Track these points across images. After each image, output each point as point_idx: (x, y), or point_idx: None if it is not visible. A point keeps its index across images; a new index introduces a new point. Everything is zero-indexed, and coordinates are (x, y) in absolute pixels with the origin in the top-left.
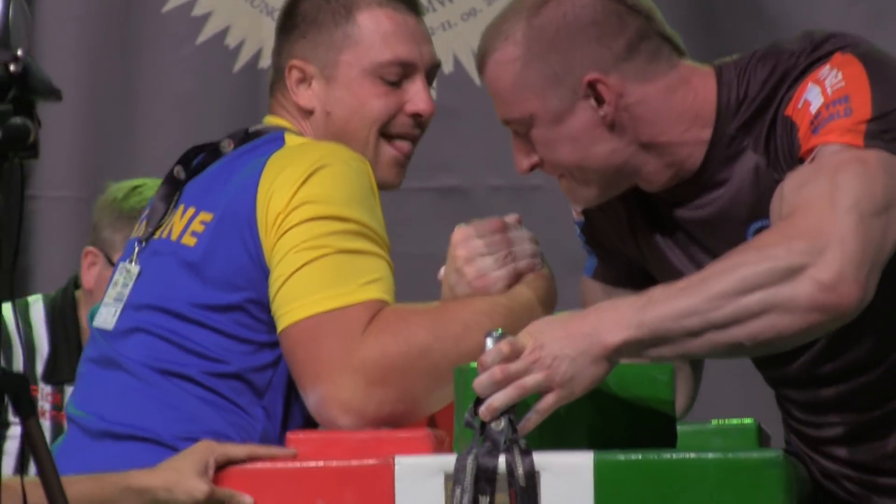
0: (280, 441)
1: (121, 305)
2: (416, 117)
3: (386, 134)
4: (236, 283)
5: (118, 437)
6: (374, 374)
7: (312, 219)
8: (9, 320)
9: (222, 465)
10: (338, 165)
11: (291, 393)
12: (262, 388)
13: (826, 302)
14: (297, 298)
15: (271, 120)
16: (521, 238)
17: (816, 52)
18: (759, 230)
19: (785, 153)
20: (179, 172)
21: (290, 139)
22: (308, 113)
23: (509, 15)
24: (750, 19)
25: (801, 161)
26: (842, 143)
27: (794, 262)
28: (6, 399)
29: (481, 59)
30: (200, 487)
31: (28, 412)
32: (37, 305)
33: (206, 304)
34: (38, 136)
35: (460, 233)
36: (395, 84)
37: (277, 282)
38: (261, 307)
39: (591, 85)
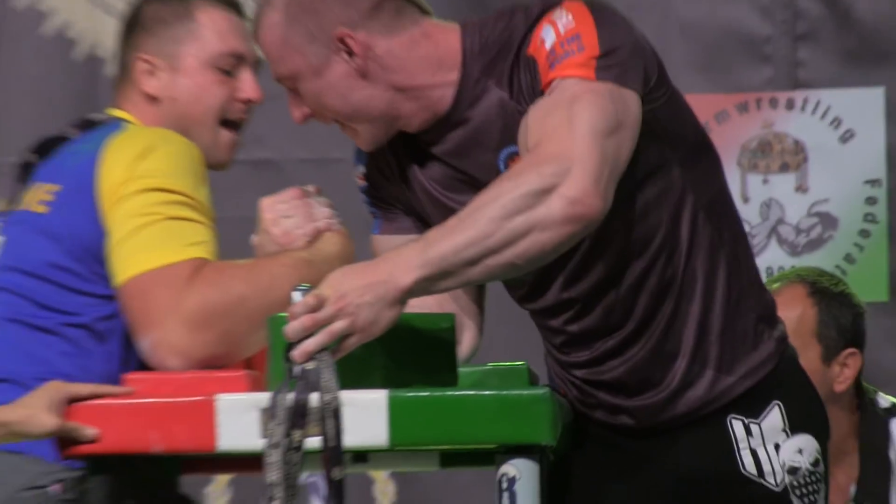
0: (119, 381)
1: None
2: (248, 103)
3: (222, 120)
4: (73, 237)
5: None
6: (196, 320)
7: (145, 190)
8: None
9: (70, 402)
10: (168, 146)
11: (130, 341)
12: (105, 335)
13: (576, 213)
14: (129, 257)
15: (113, 111)
16: (319, 203)
17: (547, 3)
18: (509, 155)
19: (528, 87)
20: (32, 158)
21: (127, 126)
22: (154, 100)
23: None
24: None
25: (542, 94)
26: (576, 77)
27: (544, 184)
28: None
29: (255, 27)
30: (50, 421)
31: None
32: None
33: (56, 262)
34: None
35: (267, 200)
36: (229, 73)
37: (113, 244)
38: (97, 261)
39: (341, 40)
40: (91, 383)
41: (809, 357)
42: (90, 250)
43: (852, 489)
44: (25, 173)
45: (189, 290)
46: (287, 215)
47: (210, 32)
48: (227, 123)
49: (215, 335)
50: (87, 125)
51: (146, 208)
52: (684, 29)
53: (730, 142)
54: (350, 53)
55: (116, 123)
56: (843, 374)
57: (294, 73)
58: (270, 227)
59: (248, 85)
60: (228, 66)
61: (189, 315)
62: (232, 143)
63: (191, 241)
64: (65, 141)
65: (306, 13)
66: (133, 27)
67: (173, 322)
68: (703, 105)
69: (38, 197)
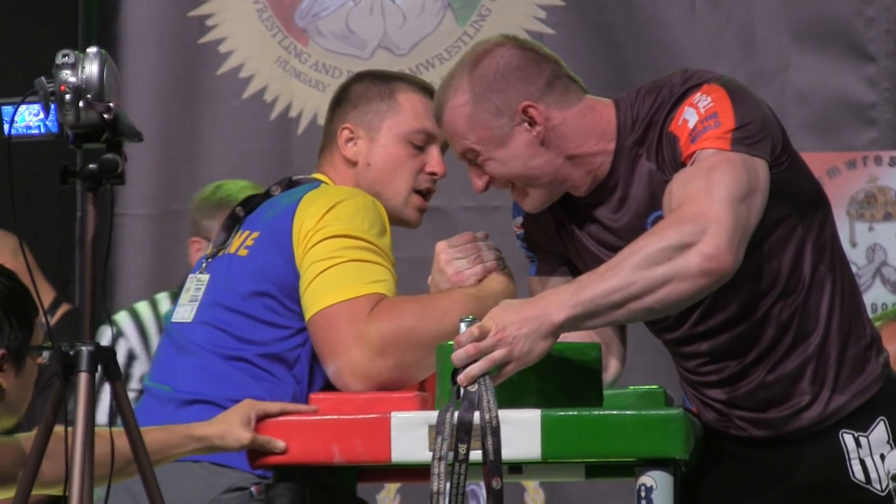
0: (305, 401)
1: (195, 305)
2: (433, 175)
3: (412, 189)
4: (269, 277)
5: (183, 403)
6: (377, 348)
7: (332, 236)
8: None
9: (261, 419)
10: (354, 199)
11: (315, 365)
12: (293, 362)
13: (711, 268)
14: (317, 294)
15: (315, 175)
16: (487, 247)
17: (688, 83)
18: (655, 220)
19: (670, 160)
20: (240, 212)
21: (322, 185)
22: (352, 164)
23: (455, 72)
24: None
25: (684, 164)
26: (714, 148)
27: (684, 240)
28: (99, 367)
29: (439, 110)
30: (245, 435)
31: (115, 377)
32: (164, 299)
33: (245, 291)
34: (124, 167)
35: (441, 243)
36: (420, 148)
37: (305, 283)
38: (290, 299)
39: (525, 111)
40: (279, 402)
41: None
42: (284, 288)
43: None
44: (232, 224)
45: (370, 322)
46: (459, 257)
47: (408, 112)
48: (417, 192)
49: (393, 361)
50: (290, 184)
51: (333, 252)
52: (800, 96)
53: (840, 194)
54: (532, 123)
55: (315, 183)
56: None
57: (480, 146)
58: (444, 266)
59: (435, 160)
60: (420, 142)
61: (370, 344)
62: (421, 208)
63: (371, 279)
64: (268, 197)
65: (493, 91)
66: (341, 101)
67: (356, 351)
68: (817, 162)
69: (242, 243)
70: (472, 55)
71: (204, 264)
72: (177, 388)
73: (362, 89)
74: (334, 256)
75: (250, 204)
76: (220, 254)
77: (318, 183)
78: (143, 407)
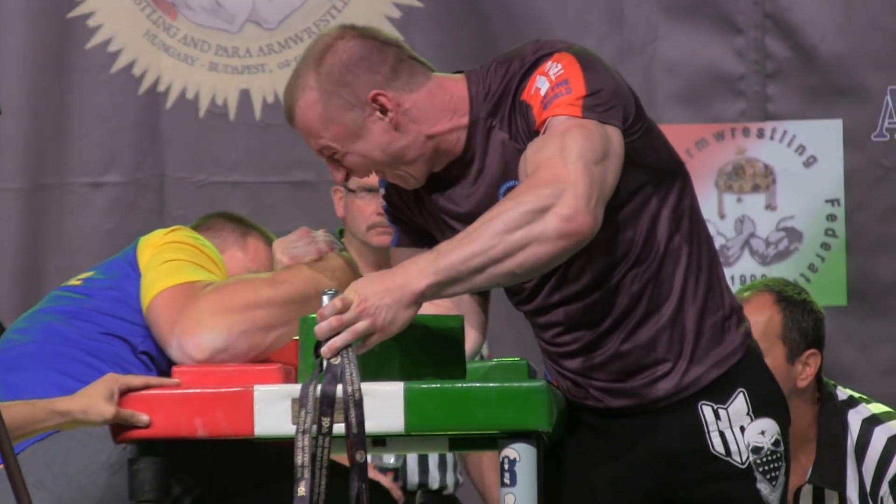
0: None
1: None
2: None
3: None
4: (121, 286)
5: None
6: (207, 317)
7: (173, 242)
8: None
9: (124, 392)
10: (185, 231)
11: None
12: (138, 346)
13: (569, 230)
14: (153, 283)
15: None
16: (322, 236)
17: (539, 52)
18: (507, 189)
19: (523, 128)
20: None
21: None
22: None
23: (300, 71)
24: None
25: (537, 132)
26: (566, 115)
27: (541, 203)
28: None
29: (289, 109)
30: (108, 409)
31: None
32: None
33: (102, 299)
34: None
35: (278, 242)
36: None
37: (143, 282)
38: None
39: (375, 100)
40: (143, 375)
41: (775, 356)
42: (131, 297)
43: (809, 471)
44: None
45: (201, 298)
46: (295, 245)
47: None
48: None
49: (227, 328)
50: None
51: (173, 255)
52: (669, 68)
53: (708, 166)
54: (384, 111)
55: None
56: (805, 372)
57: (337, 142)
58: (280, 256)
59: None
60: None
61: (201, 315)
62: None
63: (201, 276)
64: None
65: (340, 86)
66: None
67: (190, 322)
68: (685, 134)
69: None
70: (315, 52)
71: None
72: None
73: (220, 223)
74: (174, 259)
75: None
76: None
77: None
78: None
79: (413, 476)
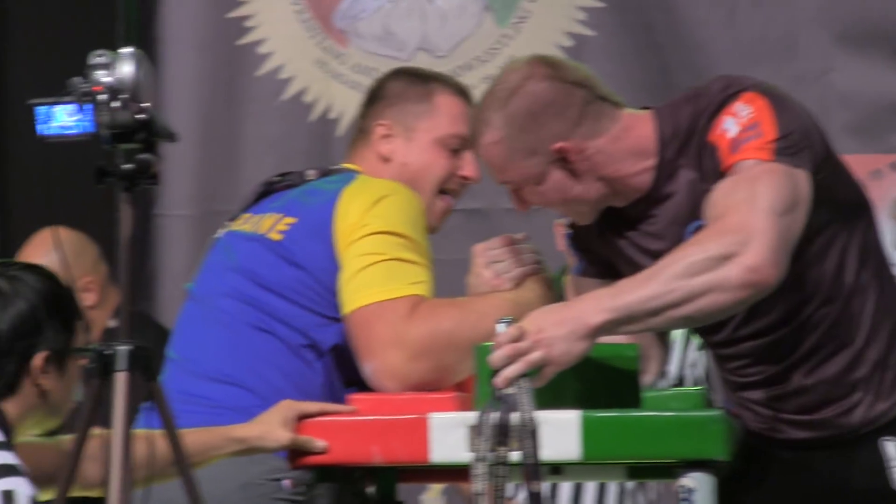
0: (339, 391)
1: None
2: (465, 179)
3: (440, 189)
4: (308, 266)
5: (209, 379)
6: (415, 351)
7: (375, 233)
8: None
9: (300, 419)
10: (398, 195)
11: (341, 357)
12: (324, 351)
13: (752, 280)
14: (356, 291)
15: (347, 165)
16: (526, 249)
17: (727, 90)
18: (696, 229)
19: (711, 169)
20: (271, 182)
21: (361, 176)
22: (386, 161)
23: (487, 105)
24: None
25: (724, 174)
26: (756, 159)
27: (726, 251)
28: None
29: (474, 140)
30: (285, 436)
31: (152, 377)
32: None
33: (281, 275)
34: (159, 167)
35: (480, 246)
36: (455, 151)
37: (346, 278)
38: (327, 289)
39: (559, 151)
40: (318, 402)
41: None
42: (322, 279)
43: None
44: (261, 193)
45: (409, 325)
46: (497, 260)
47: (444, 115)
48: (445, 192)
49: (429, 364)
50: (325, 172)
51: (376, 248)
52: (843, 99)
53: (883, 196)
54: (565, 161)
55: (352, 174)
56: None
57: (516, 182)
58: (481, 270)
59: (469, 165)
60: (456, 146)
61: (408, 347)
62: (445, 210)
63: (411, 280)
64: (303, 180)
65: (524, 132)
66: (376, 98)
67: (394, 353)
68: (860, 164)
69: (274, 225)
70: (502, 90)
71: (222, 232)
72: (202, 363)
73: (399, 88)
74: (377, 253)
75: (284, 181)
76: (247, 229)
77: (354, 174)
78: (168, 379)
79: None
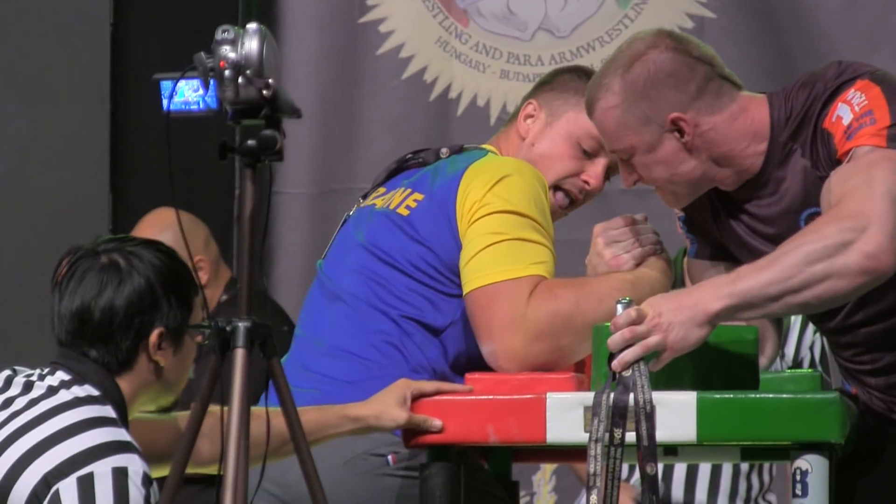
0: (452, 370)
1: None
2: (586, 184)
3: (557, 185)
4: (433, 243)
5: (331, 355)
6: (535, 333)
7: (498, 212)
8: None
9: (416, 398)
10: (521, 174)
11: (458, 336)
12: (441, 330)
13: (871, 267)
14: (478, 270)
15: (484, 145)
16: (646, 230)
17: (842, 77)
18: (809, 216)
19: (825, 156)
20: (406, 158)
21: (489, 155)
22: (521, 139)
23: (607, 70)
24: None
25: (840, 162)
26: (871, 145)
27: (844, 238)
28: (255, 344)
29: (590, 106)
30: (401, 415)
31: (271, 354)
32: None
33: (407, 251)
34: (282, 144)
35: (600, 226)
36: (587, 154)
37: (467, 256)
38: (449, 268)
39: (674, 122)
40: (434, 381)
41: None
42: (444, 257)
43: None
44: (395, 170)
45: (529, 307)
46: (618, 240)
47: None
48: (560, 189)
49: (548, 346)
50: (459, 150)
51: (498, 228)
52: None
53: None
54: (681, 133)
55: (482, 153)
56: None
57: (629, 149)
58: (602, 250)
59: (596, 172)
60: (590, 149)
61: (527, 329)
62: (554, 207)
63: (533, 260)
64: (437, 157)
65: (642, 99)
66: (545, 83)
67: (513, 334)
68: None
69: (403, 201)
70: (626, 56)
71: (355, 207)
72: (327, 342)
73: (567, 78)
74: (499, 232)
75: (417, 158)
76: (378, 204)
77: (484, 152)
78: (292, 357)
79: (678, 494)
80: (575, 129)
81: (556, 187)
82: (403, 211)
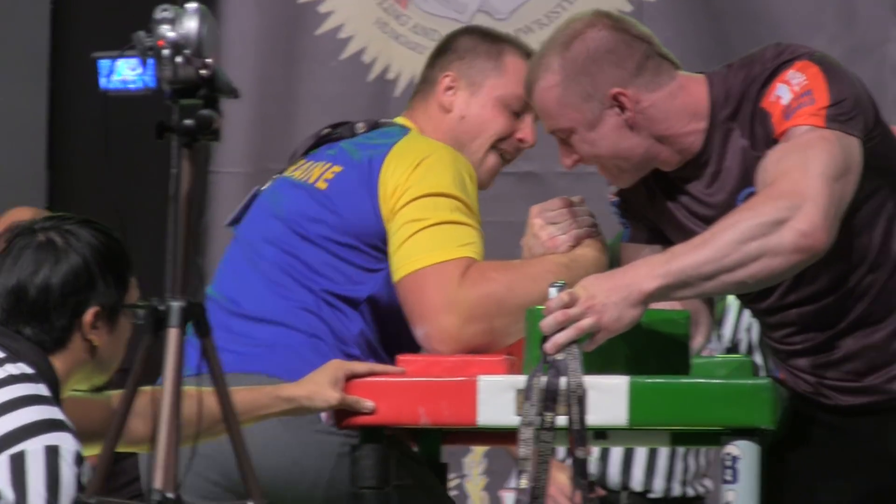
0: (375, 341)
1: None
2: (520, 142)
3: (494, 147)
4: (351, 218)
5: (254, 320)
6: (467, 315)
7: (421, 196)
8: None
9: (348, 379)
10: (441, 155)
11: (379, 311)
12: (358, 301)
13: (805, 245)
14: (407, 257)
15: (400, 120)
16: (583, 212)
17: (781, 57)
18: (747, 196)
19: (762, 137)
20: (323, 134)
21: (411, 133)
22: (446, 112)
23: (546, 51)
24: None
25: (777, 141)
26: (809, 125)
27: (779, 216)
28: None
29: (530, 86)
30: (334, 395)
31: (204, 333)
32: None
33: (325, 225)
34: (220, 124)
35: (536, 207)
36: (516, 114)
37: (394, 246)
38: (368, 244)
39: (615, 97)
40: (366, 362)
41: None
42: (364, 232)
43: None
44: (312, 144)
45: (460, 288)
46: (554, 221)
47: (512, 76)
48: (498, 152)
49: (482, 327)
50: (375, 125)
51: (422, 213)
52: None
53: None
54: (622, 108)
55: (403, 130)
56: None
57: (569, 128)
58: (539, 231)
59: (528, 128)
60: (517, 108)
61: (460, 310)
62: (495, 169)
63: (461, 242)
64: (352, 132)
65: (583, 75)
66: (446, 51)
67: (446, 316)
68: None
69: (321, 174)
70: (565, 35)
71: (274, 178)
72: (243, 304)
73: (471, 43)
74: (423, 218)
75: (336, 133)
76: (297, 176)
77: (405, 130)
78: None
79: (615, 475)
80: (500, 93)
81: (492, 150)
82: (322, 185)
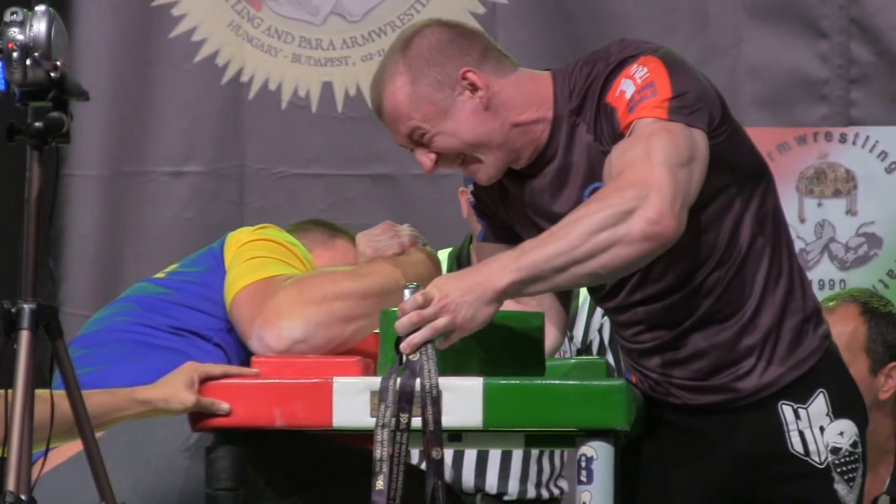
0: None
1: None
2: None
3: None
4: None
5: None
6: (282, 314)
7: (252, 241)
8: None
9: (204, 381)
10: (269, 229)
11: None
12: (212, 338)
13: (654, 233)
14: (232, 283)
15: None
16: (406, 230)
17: (624, 52)
18: (592, 191)
19: (608, 131)
20: None
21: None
22: None
23: (388, 59)
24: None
25: (622, 136)
26: (651, 118)
27: (627, 206)
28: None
29: (378, 99)
30: (189, 398)
31: (56, 336)
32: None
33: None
34: (70, 126)
35: (362, 234)
36: None
37: (226, 283)
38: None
39: (465, 76)
40: (221, 364)
41: (858, 368)
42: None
43: (887, 482)
44: None
45: (275, 295)
46: (377, 238)
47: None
48: None
49: (301, 323)
50: None
51: (252, 253)
52: (752, 71)
53: (789, 169)
54: (474, 89)
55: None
56: (887, 384)
57: (426, 122)
58: (364, 249)
59: None
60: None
61: (276, 312)
62: None
63: (282, 269)
64: None
65: (430, 66)
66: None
67: (263, 320)
68: (767, 137)
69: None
70: (402, 39)
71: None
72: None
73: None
74: (253, 257)
75: None
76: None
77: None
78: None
79: (469, 479)
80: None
81: None
82: (161, 275)
